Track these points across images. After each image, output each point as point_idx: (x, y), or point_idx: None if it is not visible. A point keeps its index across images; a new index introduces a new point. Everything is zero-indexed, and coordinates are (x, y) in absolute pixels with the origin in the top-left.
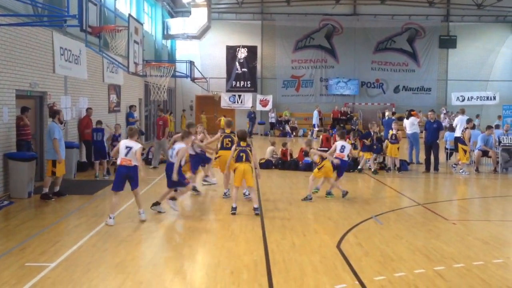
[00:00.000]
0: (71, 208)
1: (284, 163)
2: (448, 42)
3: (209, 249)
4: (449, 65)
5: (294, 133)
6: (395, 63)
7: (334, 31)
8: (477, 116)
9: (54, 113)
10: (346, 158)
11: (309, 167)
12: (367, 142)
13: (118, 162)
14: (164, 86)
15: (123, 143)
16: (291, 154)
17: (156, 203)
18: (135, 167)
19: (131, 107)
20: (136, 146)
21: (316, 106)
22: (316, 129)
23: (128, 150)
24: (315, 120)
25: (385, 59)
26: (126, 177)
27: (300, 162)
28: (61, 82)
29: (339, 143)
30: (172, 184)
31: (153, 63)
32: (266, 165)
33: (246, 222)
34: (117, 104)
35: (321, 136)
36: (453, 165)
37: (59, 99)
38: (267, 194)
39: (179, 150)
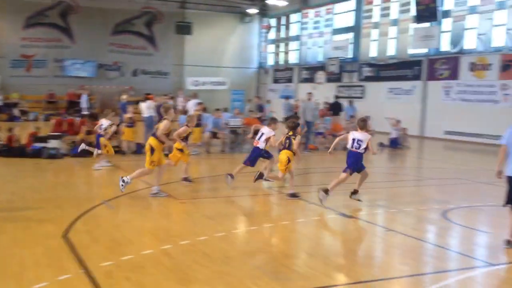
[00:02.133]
0: None
1: (10, 150)
2: (184, 29)
3: None
4: (185, 50)
5: (24, 117)
6: (134, 46)
7: (70, 9)
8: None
9: None
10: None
11: (37, 153)
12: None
13: None
14: None
15: None
16: (18, 140)
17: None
18: None
19: None
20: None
21: (86, 89)
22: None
23: None
24: (85, 103)
25: (123, 42)
26: None
27: (27, 148)
28: None
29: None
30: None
31: None
32: None
33: None
34: None
35: (54, 120)
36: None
37: None
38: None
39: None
